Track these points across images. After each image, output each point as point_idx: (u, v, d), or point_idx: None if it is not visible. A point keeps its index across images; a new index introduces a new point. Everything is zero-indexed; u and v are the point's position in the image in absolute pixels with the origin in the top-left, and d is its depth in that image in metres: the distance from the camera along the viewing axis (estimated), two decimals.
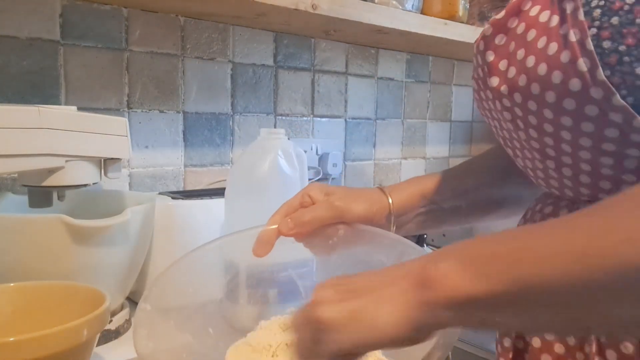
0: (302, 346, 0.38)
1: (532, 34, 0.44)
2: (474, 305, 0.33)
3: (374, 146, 1.37)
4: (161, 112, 1.00)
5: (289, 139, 0.78)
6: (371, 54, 1.32)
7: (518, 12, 0.47)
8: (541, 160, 0.48)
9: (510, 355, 0.55)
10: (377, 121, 1.36)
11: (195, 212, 0.84)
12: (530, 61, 0.44)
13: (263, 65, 1.12)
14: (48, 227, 0.62)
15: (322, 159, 1.21)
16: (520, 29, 0.46)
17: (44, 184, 0.65)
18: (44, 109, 0.62)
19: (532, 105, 0.45)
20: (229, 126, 1.09)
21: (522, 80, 0.45)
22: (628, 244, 0.28)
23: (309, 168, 0.76)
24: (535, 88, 0.44)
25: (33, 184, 0.65)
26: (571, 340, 0.49)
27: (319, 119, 1.23)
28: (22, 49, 0.84)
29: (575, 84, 0.41)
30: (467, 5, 1.20)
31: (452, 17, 1.15)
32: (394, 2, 1.05)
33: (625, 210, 0.31)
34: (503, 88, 0.47)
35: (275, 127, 1.16)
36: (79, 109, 0.68)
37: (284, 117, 1.17)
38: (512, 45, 0.47)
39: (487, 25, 0.50)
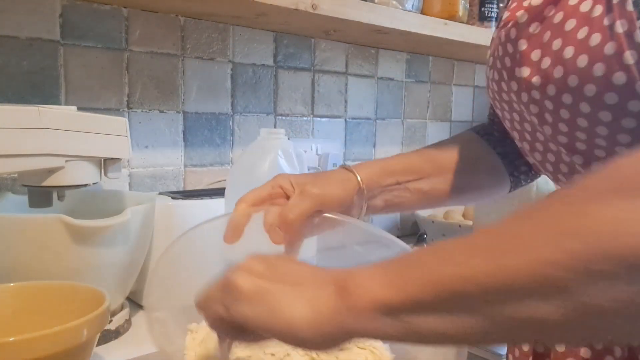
0: (211, 303, 0.39)
1: (571, 23, 0.42)
2: (392, 311, 0.32)
3: (374, 146, 1.36)
4: (161, 112, 1.00)
5: (289, 139, 0.78)
6: (371, 54, 1.32)
7: (556, 0, 0.45)
8: (568, 154, 0.47)
9: None
10: (377, 121, 1.36)
11: (195, 212, 0.84)
12: (569, 52, 0.42)
13: (263, 65, 1.12)
14: (48, 227, 0.62)
15: (322, 159, 1.21)
16: (557, 18, 0.44)
17: (44, 184, 0.65)
18: (44, 109, 0.62)
19: (566, 99, 0.43)
20: (229, 126, 1.09)
21: (557, 72, 0.43)
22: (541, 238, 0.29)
23: (309, 168, 0.76)
24: (572, 80, 0.42)
25: (33, 184, 0.65)
26: (598, 344, 0.48)
27: (319, 119, 1.23)
28: (22, 49, 0.84)
29: (619, 77, 0.39)
30: (467, 5, 1.20)
31: (452, 17, 1.15)
32: (394, 2, 1.05)
33: (535, 223, 0.30)
34: (535, 79, 0.45)
35: (275, 127, 1.16)
36: (79, 109, 0.68)
37: (284, 117, 1.17)
38: (548, 34, 0.44)
39: (521, 12, 0.47)
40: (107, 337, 0.69)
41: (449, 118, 1.55)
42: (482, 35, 1.21)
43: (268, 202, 0.55)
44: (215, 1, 0.88)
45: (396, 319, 0.32)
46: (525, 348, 0.56)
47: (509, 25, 0.48)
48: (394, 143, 1.41)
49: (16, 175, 0.71)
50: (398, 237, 0.56)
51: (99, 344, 0.65)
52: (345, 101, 1.28)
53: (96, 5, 0.90)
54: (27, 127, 0.60)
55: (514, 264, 0.29)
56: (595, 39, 0.40)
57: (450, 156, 0.64)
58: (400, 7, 1.05)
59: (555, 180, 0.52)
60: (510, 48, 0.48)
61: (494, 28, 1.25)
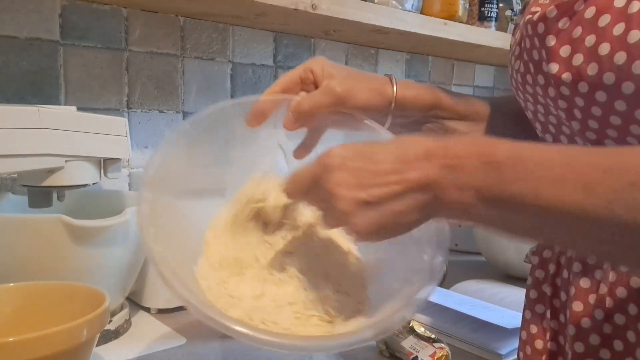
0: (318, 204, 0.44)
1: (605, 19, 0.42)
2: (482, 223, 0.40)
3: None
4: (161, 112, 1.00)
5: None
6: (371, 54, 1.32)
7: None
8: None
9: (543, 358, 0.55)
10: None
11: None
12: (604, 49, 0.41)
13: (263, 65, 1.12)
14: (48, 227, 0.62)
15: None
16: (588, 14, 0.43)
17: (44, 184, 0.65)
18: (44, 109, 0.62)
19: (600, 96, 0.42)
20: None
21: (591, 69, 0.42)
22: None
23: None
24: (609, 78, 0.41)
25: (33, 184, 0.65)
26: (619, 346, 0.48)
27: None
28: (21, 49, 0.84)
29: None
30: (467, 5, 1.20)
31: (451, 17, 1.15)
32: (394, 2, 1.05)
33: None
34: (565, 76, 0.44)
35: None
36: (79, 109, 0.68)
37: None
38: (578, 30, 0.43)
39: (550, 7, 0.46)
40: (107, 337, 0.69)
41: None
42: (482, 35, 1.21)
43: (299, 87, 0.55)
44: (215, 1, 0.88)
45: (481, 225, 0.41)
46: (539, 345, 0.56)
47: (536, 18, 0.47)
48: None
49: (16, 175, 0.71)
50: None
51: (99, 344, 0.65)
52: None
53: (96, 5, 0.90)
54: (27, 127, 0.60)
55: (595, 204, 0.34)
56: (635, 35, 0.39)
57: (493, 110, 0.63)
58: (400, 7, 1.05)
59: None
60: (537, 42, 0.48)
61: (493, 28, 1.26)
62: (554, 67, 0.45)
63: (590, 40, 0.42)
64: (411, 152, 0.40)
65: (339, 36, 1.18)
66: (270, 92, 0.54)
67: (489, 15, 1.25)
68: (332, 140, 0.60)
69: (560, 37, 0.45)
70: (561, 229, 0.37)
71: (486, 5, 1.25)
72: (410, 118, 0.59)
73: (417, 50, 1.39)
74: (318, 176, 0.42)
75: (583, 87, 0.43)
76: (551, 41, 0.46)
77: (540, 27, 0.47)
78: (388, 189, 0.39)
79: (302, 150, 0.60)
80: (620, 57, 0.40)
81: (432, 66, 1.47)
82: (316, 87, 0.54)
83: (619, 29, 0.40)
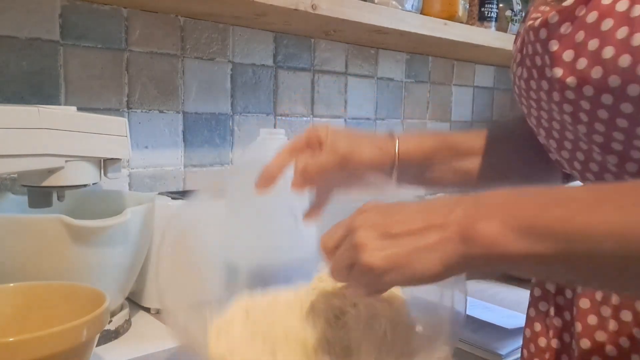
0: (343, 271, 0.42)
1: (607, 23, 0.42)
2: (512, 261, 0.36)
3: None
4: (161, 112, 1.00)
5: (288, 139, 0.78)
6: (371, 54, 1.32)
7: (587, 0, 0.44)
8: (601, 153, 0.47)
9: (547, 356, 0.55)
10: (377, 121, 1.36)
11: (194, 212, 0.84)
12: (608, 52, 0.42)
13: (263, 65, 1.12)
14: (48, 227, 0.62)
15: None
16: (590, 18, 0.43)
17: (44, 184, 0.65)
18: (44, 109, 0.62)
19: (606, 99, 0.43)
20: (229, 126, 1.09)
21: (596, 73, 0.43)
22: None
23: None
24: (614, 81, 0.42)
25: (33, 184, 0.65)
26: (625, 343, 0.48)
27: (318, 119, 1.23)
28: (21, 49, 0.84)
29: None
30: (467, 6, 1.20)
31: (451, 17, 1.15)
32: (394, 2, 1.05)
33: None
34: (570, 80, 0.45)
35: (275, 127, 1.16)
36: (79, 109, 0.68)
37: (283, 118, 1.17)
38: (581, 34, 0.44)
39: (552, 13, 0.47)
40: (107, 337, 0.69)
41: (448, 118, 1.55)
42: (481, 35, 1.21)
43: (305, 149, 0.56)
44: (215, 1, 0.88)
45: (512, 263, 0.37)
46: (542, 343, 0.56)
47: (537, 24, 0.48)
48: None
49: (16, 175, 0.71)
50: None
51: (99, 344, 0.65)
52: (345, 101, 1.28)
53: (96, 5, 0.90)
54: (27, 127, 0.60)
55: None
56: (638, 38, 0.40)
57: (502, 137, 0.65)
58: (400, 7, 1.05)
59: (583, 178, 0.52)
60: (539, 48, 0.48)
61: (493, 28, 1.26)
62: (558, 72, 0.45)
63: (593, 44, 0.43)
64: (438, 202, 0.41)
65: (339, 36, 1.18)
66: (278, 156, 0.55)
67: (489, 15, 1.25)
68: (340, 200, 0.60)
69: (563, 41, 0.45)
70: (597, 260, 0.35)
71: (486, 5, 1.25)
72: (418, 168, 0.61)
73: (417, 51, 1.39)
74: (346, 231, 0.42)
75: (588, 90, 0.43)
76: (554, 46, 0.46)
77: (543, 33, 0.48)
78: (410, 226, 0.39)
79: (312, 211, 0.60)
80: (625, 60, 0.41)
81: (432, 66, 1.47)
82: (321, 149, 0.56)
83: (622, 32, 0.41)
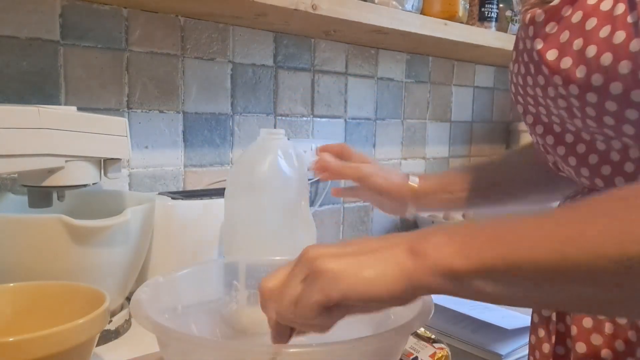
0: (294, 293, 0.40)
1: (591, 22, 0.42)
2: (456, 276, 0.35)
3: (374, 146, 1.37)
4: (161, 112, 1.00)
5: (288, 139, 0.78)
6: (371, 54, 1.32)
7: (573, 0, 0.45)
8: (604, 141, 0.47)
9: None
10: (377, 121, 1.36)
11: (194, 212, 0.84)
12: (591, 51, 0.42)
13: (263, 65, 1.12)
14: (48, 227, 0.62)
15: None
16: (575, 18, 0.44)
17: (44, 184, 0.65)
18: (44, 109, 0.62)
19: (591, 98, 0.43)
20: (229, 126, 1.09)
21: (580, 71, 0.43)
22: (604, 238, 0.31)
23: (309, 169, 0.76)
24: (597, 79, 0.42)
25: (33, 184, 0.65)
26: (621, 346, 0.48)
27: (318, 119, 1.23)
28: (22, 49, 0.84)
29: None
30: (467, 6, 1.20)
31: (452, 17, 1.15)
32: (394, 2, 1.05)
33: (608, 208, 0.33)
34: (556, 78, 0.45)
35: (275, 127, 1.16)
36: (79, 109, 0.68)
37: (283, 118, 1.17)
38: (566, 34, 0.44)
39: (538, 12, 0.47)
40: (107, 337, 0.69)
41: (448, 118, 1.55)
42: (482, 36, 1.21)
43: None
44: (215, 1, 0.88)
45: (459, 282, 0.36)
46: (546, 349, 0.56)
47: (527, 21, 0.48)
48: (394, 143, 1.41)
49: (16, 175, 0.71)
50: None
51: (99, 344, 0.65)
52: (345, 101, 1.28)
53: (96, 5, 0.90)
54: (27, 127, 0.60)
55: (578, 254, 0.32)
56: (620, 36, 0.40)
57: (503, 172, 0.73)
58: (400, 7, 1.05)
59: (577, 175, 0.52)
60: (529, 45, 0.49)
61: (494, 28, 1.26)
62: (545, 70, 0.46)
63: (578, 43, 0.43)
64: (389, 235, 0.41)
65: (339, 36, 1.18)
66: (323, 148, 0.76)
67: (489, 15, 1.25)
68: None
69: (548, 40, 0.46)
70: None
71: (486, 5, 1.25)
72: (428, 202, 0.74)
73: (417, 51, 1.39)
74: (291, 265, 0.42)
75: (574, 89, 0.44)
76: (538, 44, 0.47)
77: (530, 30, 0.48)
78: (365, 247, 0.39)
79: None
80: (607, 59, 0.41)
81: (432, 66, 1.47)
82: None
83: (605, 31, 0.41)
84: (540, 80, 0.48)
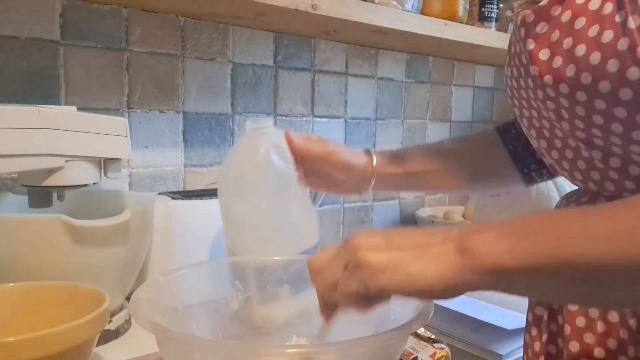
0: (334, 278, 0.42)
1: (580, 22, 0.43)
2: (505, 274, 0.36)
3: (374, 147, 1.36)
4: (161, 112, 1.00)
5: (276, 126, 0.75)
6: (371, 54, 1.32)
7: (561, 0, 0.45)
8: (587, 149, 0.47)
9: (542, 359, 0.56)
10: (377, 121, 1.36)
11: (194, 212, 0.84)
12: (580, 50, 0.42)
13: (263, 65, 1.12)
14: (48, 227, 0.62)
15: None
16: (565, 17, 0.44)
17: (44, 184, 0.65)
18: (44, 109, 0.62)
19: (581, 96, 0.43)
20: (229, 126, 1.09)
21: (570, 70, 0.43)
22: None
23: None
24: (586, 78, 0.42)
25: (33, 184, 0.65)
26: (613, 344, 0.49)
27: (318, 119, 1.23)
28: (22, 49, 0.84)
29: (633, 72, 0.39)
30: (467, 6, 1.20)
31: (452, 17, 1.15)
32: (394, 2, 1.05)
33: None
34: (547, 78, 0.45)
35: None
36: (79, 109, 0.68)
37: (283, 118, 1.17)
38: (556, 33, 0.45)
39: (528, 12, 0.48)
40: (107, 337, 0.69)
41: (448, 118, 1.55)
42: (482, 36, 1.21)
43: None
44: (215, 1, 0.88)
45: (507, 280, 0.36)
46: (537, 347, 0.56)
47: (519, 23, 0.49)
48: (394, 143, 1.41)
49: (16, 175, 0.71)
50: None
51: (98, 344, 0.65)
52: (345, 101, 1.28)
53: (96, 5, 0.90)
54: (27, 127, 0.60)
55: (632, 252, 0.32)
56: (608, 35, 0.41)
57: (459, 153, 0.74)
58: (400, 7, 1.05)
59: (572, 178, 0.52)
60: (522, 46, 0.49)
61: (494, 28, 1.26)
62: (535, 70, 0.47)
63: (567, 42, 0.43)
64: (435, 228, 0.41)
65: (339, 36, 1.18)
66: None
67: (489, 15, 1.25)
68: None
69: (539, 40, 0.46)
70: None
71: (486, 5, 1.25)
72: (383, 178, 0.74)
73: (417, 51, 1.39)
74: (339, 248, 0.43)
75: (564, 88, 0.44)
76: (530, 45, 0.47)
77: (522, 32, 0.49)
78: (410, 240, 0.39)
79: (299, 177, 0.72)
80: (595, 57, 0.41)
81: (432, 66, 1.47)
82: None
83: (593, 30, 0.42)
84: (530, 82, 0.49)
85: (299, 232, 0.72)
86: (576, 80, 0.43)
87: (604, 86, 0.41)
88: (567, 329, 0.51)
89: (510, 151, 0.70)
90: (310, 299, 0.59)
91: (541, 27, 0.47)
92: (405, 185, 0.76)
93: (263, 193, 0.69)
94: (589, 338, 0.50)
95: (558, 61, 0.44)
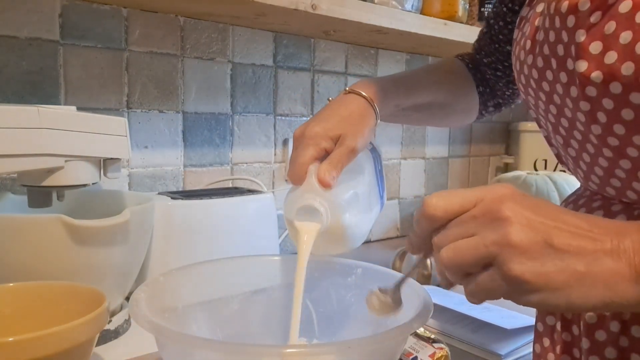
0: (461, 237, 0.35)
1: None
2: None
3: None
4: (161, 112, 1.00)
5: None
6: (371, 54, 1.32)
7: None
8: (613, 158, 0.44)
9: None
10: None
11: (194, 212, 0.84)
12: None
13: (262, 65, 1.12)
14: (48, 227, 0.62)
15: None
16: (624, 8, 0.40)
17: (44, 183, 0.64)
18: (44, 109, 0.62)
19: (635, 98, 0.39)
20: (229, 126, 1.09)
21: (627, 69, 0.39)
22: None
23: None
24: None
25: (32, 183, 0.65)
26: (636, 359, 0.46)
27: None
28: (21, 49, 0.84)
29: None
30: (467, 6, 1.20)
31: (451, 17, 1.15)
32: (394, 2, 1.05)
33: None
34: (595, 75, 0.41)
35: (274, 126, 1.16)
36: (79, 109, 0.68)
37: (283, 117, 1.17)
38: (612, 25, 0.40)
39: None
40: (107, 337, 0.69)
41: None
42: None
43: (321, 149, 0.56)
44: (215, 1, 0.88)
45: None
46: (551, 359, 0.54)
47: (564, 10, 0.44)
48: (394, 143, 1.41)
49: (16, 175, 0.71)
50: (397, 237, 0.56)
51: (98, 344, 0.65)
52: None
53: (96, 5, 0.90)
54: (26, 127, 0.60)
55: None
56: None
57: (442, 87, 0.71)
58: (400, 7, 1.05)
59: (586, 179, 0.50)
60: (565, 37, 0.44)
61: None
62: (582, 65, 0.42)
63: (625, 37, 0.39)
64: (599, 221, 0.34)
65: (339, 36, 1.18)
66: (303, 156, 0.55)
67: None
68: None
69: (592, 32, 0.41)
70: None
71: (486, 5, 1.25)
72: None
73: (417, 51, 1.39)
74: (479, 199, 0.35)
75: (616, 87, 0.40)
76: (581, 36, 0.42)
77: (570, 21, 0.43)
78: (576, 241, 0.32)
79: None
80: None
81: None
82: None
83: None
84: (563, 77, 0.45)
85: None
86: (633, 80, 0.39)
87: None
88: (586, 343, 0.49)
89: (480, 92, 0.73)
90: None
91: (596, 17, 0.41)
92: (395, 116, 0.70)
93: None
94: (610, 353, 0.47)
95: (612, 57, 0.40)
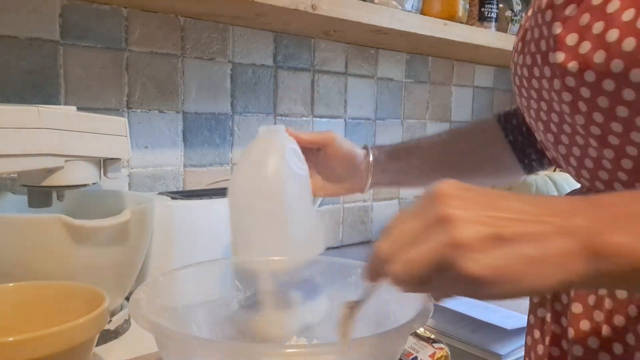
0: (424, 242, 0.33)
1: (614, 5, 0.40)
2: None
3: None
4: (161, 112, 1.00)
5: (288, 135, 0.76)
6: (371, 54, 1.32)
7: None
8: (598, 148, 0.45)
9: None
10: (377, 121, 1.36)
11: (194, 212, 0.84)
12: (613, 35, 0.40)
13: (263, 65, 1.12)
14: (48, 227, 0.62)
15: None
16: (597, 0, 0.42)
17: (44, 183, 0.64)
18: (44, 109, 0.62)
19: (608, 85, 0.41)
20: (229, 126, 1.09)
21: (599, 57, 0.41)
22: None
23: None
24: (617, 65, 0.40)
25: (32, 183, 0.65)
26: (619, 349, 0.47)
27: (318, 119, 1.23)
28: (22, 49, 0.84)
29: None
30: (467, 6, 1.20)
31: (451, 17, 1.15)
32: (394, 2, 1.05)
33: None
34: (571, 65, 0.43)
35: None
36: (79, 109, 0.68)
37: (283, 117, 1.17)
38: (586, 17, 0.42)
39: None
40: (107, 337, 0.69)
41: (448, 118, 1.55)
42: (481, 36, 1.21)
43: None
44: (215, 1, 0.88)
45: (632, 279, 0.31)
46: (540, 351, 0.56)
47: (544, 6, 0.46)
48: None
49: (16, 175, 0.71)
50: None
51: (98, 344, 0.65)
52: (345, 101, 1.28)
53: (96, 5, 0.90)
54: (27, 127, 0.60)
55: None
56: None
57: (458, 145, 0.74)
58: (400, 7, 1.05)
59: (578, 176, 0.51)
60: (545, 31, 0.46)
61: (493, 28, 1.26)
62: (560, 56, 0.44)
63: (598, 27, 0.41)
64: (548, 200, 0.34)
65: (339, 36, 1.18)
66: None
67: (489, 15, 1.25)
68: None
69: (568, 24, 0.44)
70: None
71: (486, 5, 1.25)
72: (383, 171, 0.73)
73: (417, 51, 1.39)
74: (423, 207, 0.34)
75: (590, 75, 0.42)
76: (557, 29, 0.44)
77: (548, 15, 0.46)
78: (525, 227, 0.31)
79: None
80: (629, 44, 0.39)
81: (432, 67, 1.47)
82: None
83: (628, 14, 0.39)
84: (547, 71, 0.46)
85: (308, 235, 0.71)
86: (605, 68, 0.40)
87: (636, 75, 0.39)
88: (571, 332, 0.50)
89: (511, 141, 0.69)
90: (315, 311, 0.58)
91: (571, 10, 0.44)
92: (404, 180, 0.74)
93: (279, 198, 0.67)
94: (593, 342, 0.49)
95: (586, 46, 0.41)
